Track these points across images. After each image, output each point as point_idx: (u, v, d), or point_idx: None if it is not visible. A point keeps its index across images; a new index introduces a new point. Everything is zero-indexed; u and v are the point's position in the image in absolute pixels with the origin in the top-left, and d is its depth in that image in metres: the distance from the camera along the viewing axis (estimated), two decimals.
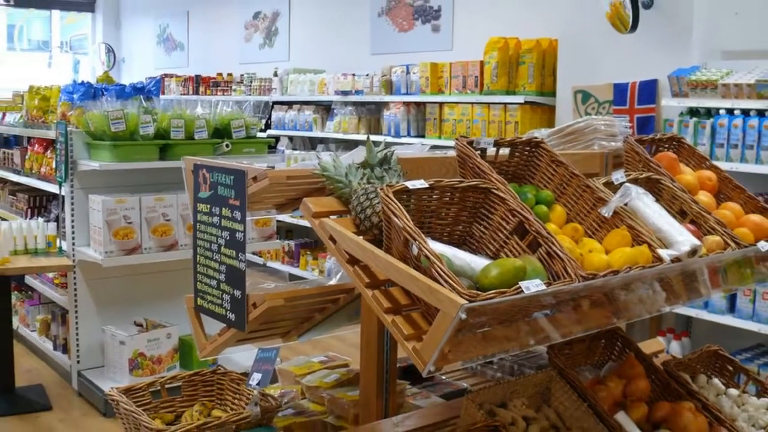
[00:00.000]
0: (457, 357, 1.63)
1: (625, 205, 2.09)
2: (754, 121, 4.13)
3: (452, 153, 2.21)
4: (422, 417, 2.25)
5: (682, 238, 2.03)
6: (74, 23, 13.70)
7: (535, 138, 2.25)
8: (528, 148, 2.24)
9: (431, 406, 2.39)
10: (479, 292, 1.57)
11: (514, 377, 2.56)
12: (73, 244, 4.58)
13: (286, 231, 8.12)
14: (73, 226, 4.56)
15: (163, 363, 4.53)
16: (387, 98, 6.78)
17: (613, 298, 1.97)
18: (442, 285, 1.57)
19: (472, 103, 5.95)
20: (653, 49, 4.84)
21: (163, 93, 9.85)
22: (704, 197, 2.46)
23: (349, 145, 7.10)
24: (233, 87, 9.01)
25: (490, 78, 5.73)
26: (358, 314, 2.29)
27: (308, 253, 7.60)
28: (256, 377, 2.17)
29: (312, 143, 8.16)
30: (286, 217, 7.47)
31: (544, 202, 2.10)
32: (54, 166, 4.80)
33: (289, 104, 8.07)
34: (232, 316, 2.19)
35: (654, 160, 2.47)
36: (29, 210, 5.55)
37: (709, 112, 4.41)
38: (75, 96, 4.92)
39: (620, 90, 4.92)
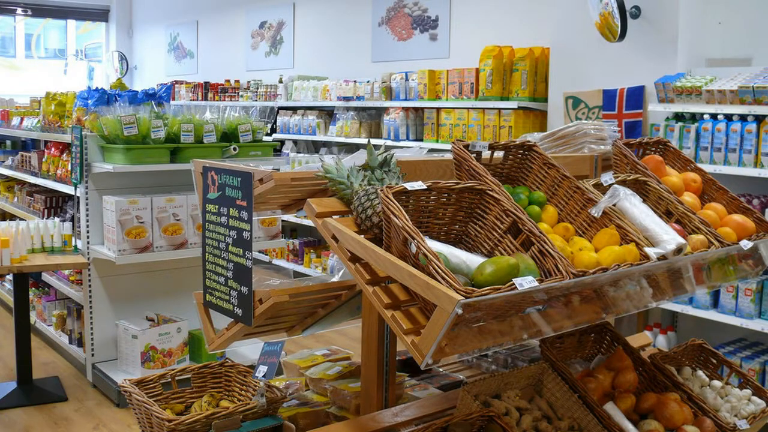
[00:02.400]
0: (454, 350, 1.67)
1: (614, 205, 2.14)
2: (736, 126, 4.19)
3: (449, 156, 2.24)
4: (420, 407, 2.27)
5: (668, 237, 2.08)
6: (89, 32, 13.81)
7: (528, 142, 2.29)
8: (521, 152, 2.28)
9: (429, 397, 2.41)
10: (475, 289, 1.61)
11: (508, 370, 2.56)
12: (88, 242, 4.64)
13: (290, 230, 8.22)
14: (87, 226, 4.62)
15: (173, 356, 4.60)
16: (387, 104, 6.84)
17: (602, 294, 2.01)
18: (440, 282, 1.61)
19: (468, 108, 6.01)
20: (640, 57, 4.90)
21: (174, 99, 9.94)
22: (689, 198, 2.50)
23: (351, 148, 7.21)
24: (240, 93, 9.06)
25: (485, 84, 5.80)
26: (360, 310, 2.32)
27: (312, 251, 7.68)
28: (262, 369, 2.17)
29: (315, 147, 8.24)
30: (290, 217, 7.55)
31: (536, 202, 2.14)
32: (69, 168, 4.87)
33: (294, 109, 8.14)
34: (239, 312, 2.23)
35: (641, 162, 2.50)
36: (46, 210, 5.62)
37: (694, 117, 4.47)
38: (89, 102, 4.96)
39: (609, 96, 4.97)
